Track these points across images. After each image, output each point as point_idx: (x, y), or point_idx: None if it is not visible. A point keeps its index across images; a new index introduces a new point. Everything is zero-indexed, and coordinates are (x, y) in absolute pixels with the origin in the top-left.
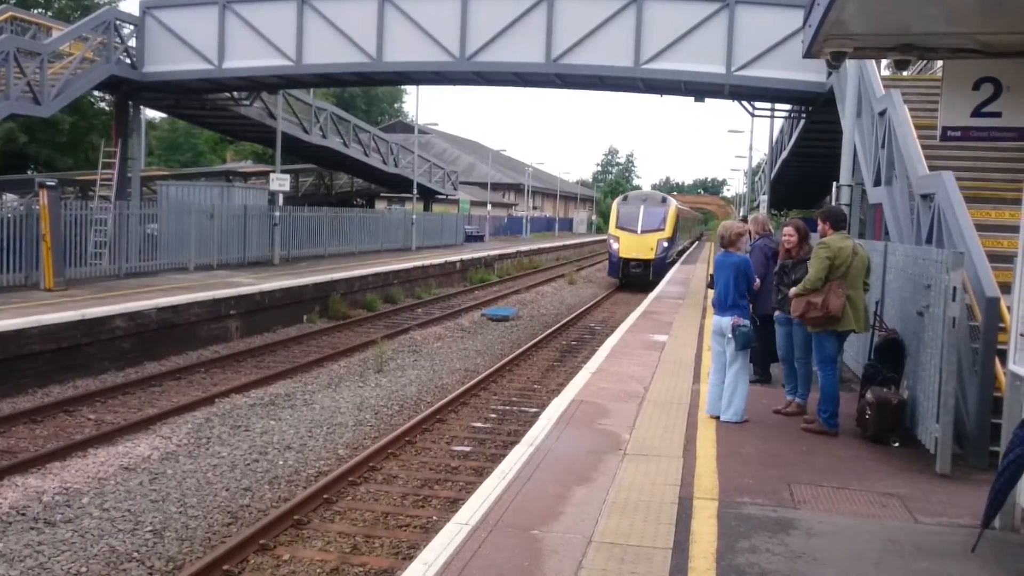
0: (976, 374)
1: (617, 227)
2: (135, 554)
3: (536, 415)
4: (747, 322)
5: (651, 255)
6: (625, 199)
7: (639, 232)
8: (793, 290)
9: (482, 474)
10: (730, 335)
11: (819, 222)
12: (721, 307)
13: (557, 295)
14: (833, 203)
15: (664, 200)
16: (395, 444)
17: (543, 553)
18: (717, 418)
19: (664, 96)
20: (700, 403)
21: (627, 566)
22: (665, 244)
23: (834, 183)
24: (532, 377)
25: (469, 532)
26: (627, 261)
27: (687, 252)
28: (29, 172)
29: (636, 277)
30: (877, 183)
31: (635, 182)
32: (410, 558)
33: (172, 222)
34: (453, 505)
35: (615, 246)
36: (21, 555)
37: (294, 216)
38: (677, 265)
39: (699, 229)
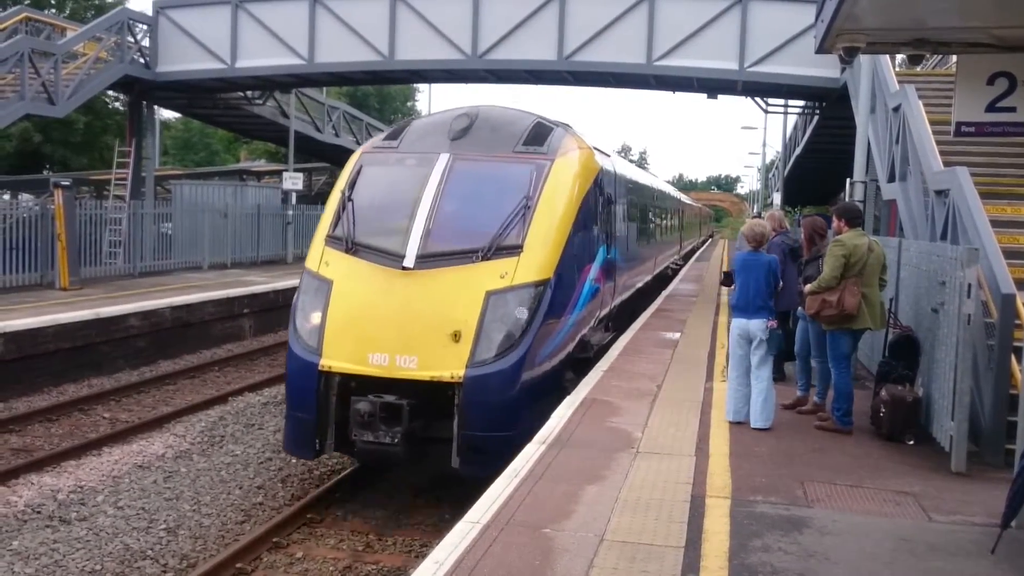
0: (992, 371)
1: (334, 240)
2: (149, 552)
3: None
4: (773, 323)
5: (453, 368)
6: (397, 138)
7: (410, 263)
8: (808, 287)
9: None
10: (765, 338)
11: (834, 219)
12: (748, 309)
13: None
14: (847, 199)
15: (540, 133)
16: None
17: (554, 551)
18: (737, 424)
19: (677, 93)
20: (713, 401)
21: (638, 564)
22: (525, 309)
23: (848, 179)
24: None
25: (480, 531)
26: (349, 390)
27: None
28: (44, 172)
29: (379, 455)
30: (891, 179)
31: None
32: (422, 556)
33: (186, 221)
34: (466, 503)
35: (310, 324)
36: (36, 553)
37: (307, 214)
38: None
39: (707, 227)
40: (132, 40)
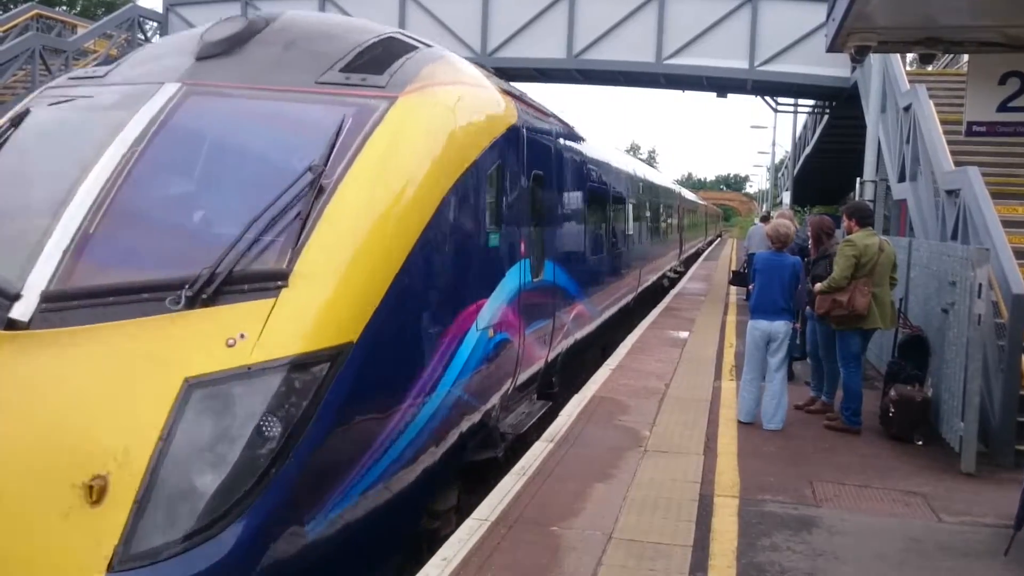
0: (1002, 372)
1: None
2: None
3: None
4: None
5: (77, 572)
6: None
7: (24, 313)
8: (818, 287)
9: None
10: (787, 339)
11: (844, 218)
12: (770, 311)
13: None
14: (857, 199)
15: (384, 55)
16: None
17: (562, 549)
18: (747, 424)
19: (686, 91)
20: (722, 400)
21: (647, 563)
22: (276, 418)
23: (858, 179)
24: None
25: (488, 528)
26: None
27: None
28: None
29: None
30: (902, 179)
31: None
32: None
33: None
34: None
35: None
36: None
37: None
38: None
39: (716, 227)
40: (142, 37)
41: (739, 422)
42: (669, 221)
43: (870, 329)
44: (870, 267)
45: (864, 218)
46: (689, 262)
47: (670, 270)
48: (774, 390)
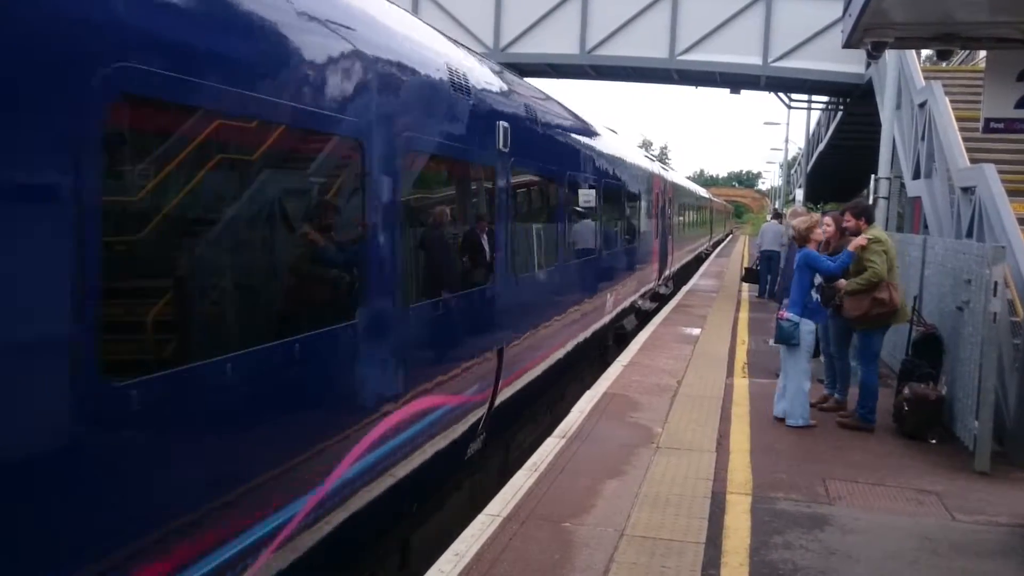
0: (1017, 370)
1: None
2: None
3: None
4: (792, 316)
5: None
6: None
7: None
8: (846, 284)
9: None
10: (787, 329)
11: (850, 218)
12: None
13: None
14: (871, 196)
15: None
16: None
17: (574, 545)
18: (758, 420)
19: (699, 88)
20: (734, 397)
21: (659, 560)
22: None
23: (872, 176)
24: None
25: (500, 524)
26: None
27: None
28: None
29: None
30: (916, 176)
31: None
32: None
33: None
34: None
35: None
36: None
37: None
38: None
39: (727, 223)
40: None
41: (751, 419)
42: (640, 223)
43: (888, 325)
44: (891, 263)
45: (871, 217)
46: (689, 269)
47: (644, 296)
48: (787, 384)
